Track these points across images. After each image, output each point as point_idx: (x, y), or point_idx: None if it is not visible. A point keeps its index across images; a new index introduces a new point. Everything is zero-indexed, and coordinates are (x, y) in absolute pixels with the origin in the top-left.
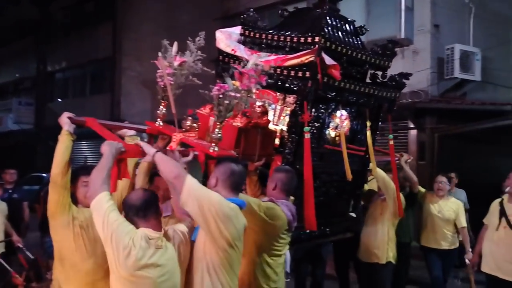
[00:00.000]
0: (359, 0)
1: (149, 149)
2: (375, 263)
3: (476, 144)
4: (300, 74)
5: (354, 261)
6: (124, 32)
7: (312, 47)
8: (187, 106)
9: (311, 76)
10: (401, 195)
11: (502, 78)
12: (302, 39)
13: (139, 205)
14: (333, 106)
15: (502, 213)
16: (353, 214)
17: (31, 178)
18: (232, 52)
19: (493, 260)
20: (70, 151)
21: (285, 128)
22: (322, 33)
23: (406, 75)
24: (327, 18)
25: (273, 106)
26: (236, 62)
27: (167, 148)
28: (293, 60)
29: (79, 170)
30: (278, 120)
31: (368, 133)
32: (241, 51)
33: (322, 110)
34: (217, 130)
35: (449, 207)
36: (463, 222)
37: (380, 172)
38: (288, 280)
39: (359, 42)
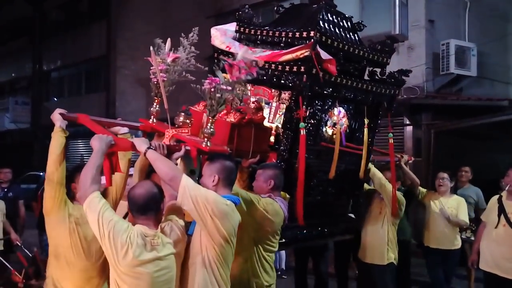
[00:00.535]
0: None
1: (141, 146)
2: (376, 264)
3: (473, 140)
4: (295, 69)
5: (355, 260)
6: (118, 31)
7: (307, 42)
8: (181, 103)
9: (306, 71)
10: (400, 194)
11: (498, 73)
12: (297, 34)
13: (141, 202)
14: (330, 103)
15: (501, 210)
16: (352, 215)
17: (28, 177)
18: (227, 49)
19: (492, 258)
20: (64, 148)
21: (280, 125)
22: (318, 27)
23: (406, 72)
24: (323, 13)
25: (269, 103)
26: (231, 58)
27: (157, 142)
28: (288, 55)
29: (76, 167)
30: (274, 118)
31: (366, 131)
32: (236, 48)
33: (319, 107)
34: (209, 125)
35: (450, 204)
36: (461, 216)
37: (376, 172)
38: (285, 277)
39: (357, 38)
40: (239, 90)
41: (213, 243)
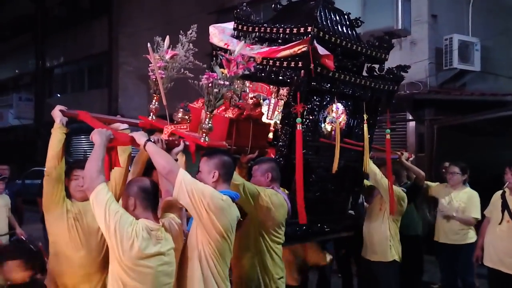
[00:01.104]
0: None
1: (140, 139)
2: (378, 262)
3: (476, 135)
4: (292, 64)
5: (355, 257)
6: (120, 27)
7: (304, 37)
8: (181, 100)
9: (304, 66)
10: (400, 189)
11: (502, 68)
12: (295, 30)
13: (142, 194)
14: (328, 99)
15: (505, 206)
16: (352, 212)
17: (32, 173)
18: (225, 47)
19: (496, 254)
20: (63, 144)
21: (279, 121)
22: (315, 22)
23: (404, 68)
24: (321, 9)
25: (267, 100)
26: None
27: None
28: (286, 51)
29: (72, 163)
30: (272, 115)
31: (365, 126)
32: (234, 45)
33: (317, 103)
34: (207, 120)
35: (459, 197)
36: (473, 212)
37: (372, 167)
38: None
39: (355, 34)
40: (237, 87)
41: (209, 238)
